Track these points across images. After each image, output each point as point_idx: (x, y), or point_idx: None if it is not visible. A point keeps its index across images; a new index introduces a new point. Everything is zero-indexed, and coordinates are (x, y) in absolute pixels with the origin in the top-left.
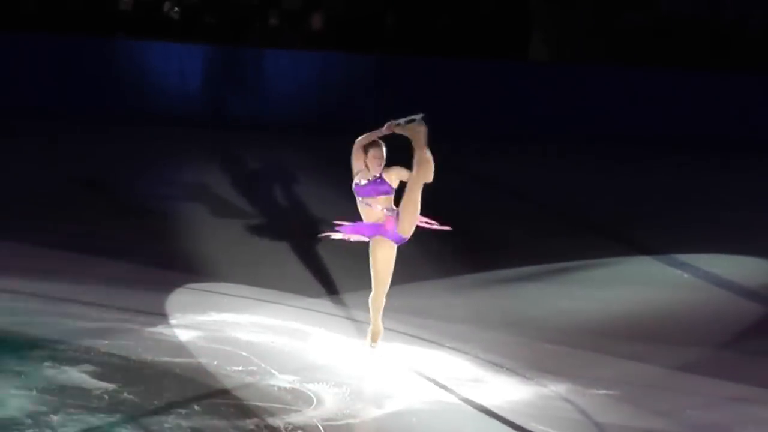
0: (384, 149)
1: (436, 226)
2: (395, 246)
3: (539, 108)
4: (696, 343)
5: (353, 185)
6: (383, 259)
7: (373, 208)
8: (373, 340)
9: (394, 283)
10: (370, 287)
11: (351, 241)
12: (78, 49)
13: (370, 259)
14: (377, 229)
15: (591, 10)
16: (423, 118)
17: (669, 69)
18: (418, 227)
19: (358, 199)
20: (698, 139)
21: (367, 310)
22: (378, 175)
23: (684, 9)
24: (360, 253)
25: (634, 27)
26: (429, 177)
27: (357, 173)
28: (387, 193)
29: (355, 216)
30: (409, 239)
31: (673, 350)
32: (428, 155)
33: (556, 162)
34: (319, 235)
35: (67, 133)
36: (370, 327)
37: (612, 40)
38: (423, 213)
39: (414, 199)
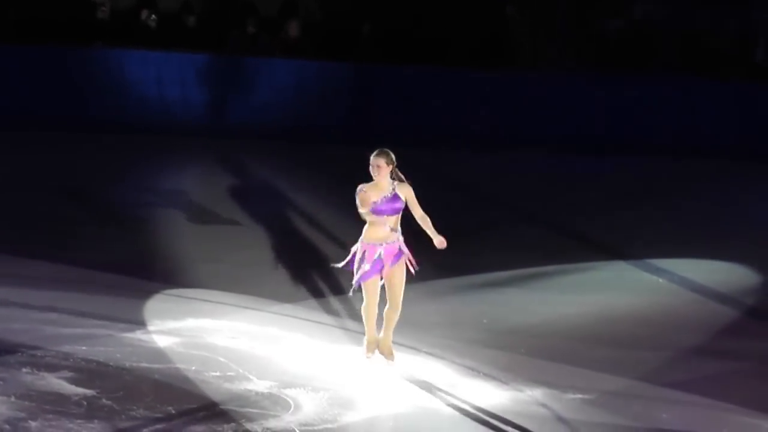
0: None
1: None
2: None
3: (514, 115)
4: (671, 347)
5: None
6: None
7: (383, 228)
8: (370, 350)
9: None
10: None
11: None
12: (55, 58)
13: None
14: (378, 266)
15: (566, 17)
16: None
17: (642, 74)
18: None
19: (372, 217)
20: (671, 144)
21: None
22: (392, 190)
23: (658, 15)
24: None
25: (609, 33)
26: None
27: (364, 188)
28: (399, 211)
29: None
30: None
31: (648, 354)
32: None
33: (533, 168)
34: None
35: (44, 142)
36: (368, 338)
37: (587, 47)
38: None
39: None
